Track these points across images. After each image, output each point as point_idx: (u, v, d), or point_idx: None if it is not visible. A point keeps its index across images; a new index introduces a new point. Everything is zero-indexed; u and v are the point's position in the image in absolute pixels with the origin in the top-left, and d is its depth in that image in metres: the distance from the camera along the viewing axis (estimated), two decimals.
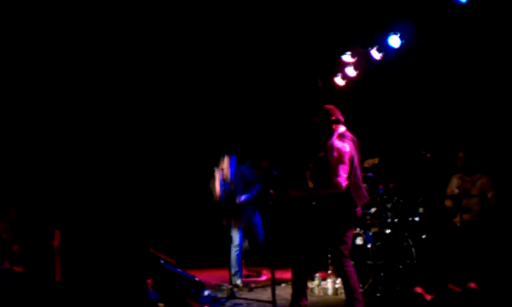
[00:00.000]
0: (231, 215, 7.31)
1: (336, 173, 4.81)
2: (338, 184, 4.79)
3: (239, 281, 7.23)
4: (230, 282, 6.79)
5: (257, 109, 9.92)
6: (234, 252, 7.31)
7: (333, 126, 5.04)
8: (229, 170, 7.36)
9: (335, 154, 4.85)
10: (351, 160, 4.91)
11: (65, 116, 9.08)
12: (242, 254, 7.41)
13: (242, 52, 9.36)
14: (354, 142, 5.03)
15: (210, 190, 7.45)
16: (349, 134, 5.07)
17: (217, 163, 7.36)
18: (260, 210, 7.63)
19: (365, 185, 7.03)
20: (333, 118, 5.07)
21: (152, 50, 9.23)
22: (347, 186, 4.84)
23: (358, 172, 5.02)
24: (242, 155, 7.54)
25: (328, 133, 5.04)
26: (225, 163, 7.35)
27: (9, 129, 8.49)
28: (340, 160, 4.83)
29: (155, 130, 9.89)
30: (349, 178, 4.86)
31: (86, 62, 8.93)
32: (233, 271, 7.27)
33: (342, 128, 5.07)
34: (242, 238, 7.39)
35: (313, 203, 5.12)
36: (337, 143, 4.91)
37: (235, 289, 6.82)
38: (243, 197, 7.31)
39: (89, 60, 8.93)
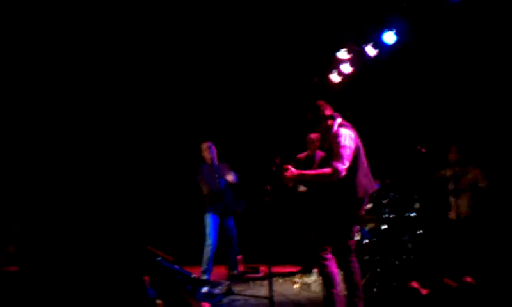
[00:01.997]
0: (216, 204, 7.43)
1: (337, 159, 4.62)
2: (336, 170, 4.58)
3: (205, 277, 7.27)
4: (228, 278, 6.81)
5: (253, 106, 9.94)
6: (207, 251, 7.34)
7: (328, 121, 4.93)
8: (210, 155, 7.48)
9: (340, 140, 4.68)
10: (357, 148, 4.77)
11: (62, 114, 9.06)
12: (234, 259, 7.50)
13: (238, 50, 9.37)
14: (355, 130, 4.95)
15: (200, 185, 7.55)
16: (348, 124, 4.96)
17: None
18: (235, 213, 7.68)
19: None
20: (325, 112, 4.95)
21: (146, 49, 9.22)
22: (353, 176, 4.68)
23: (364, 159, 4.87)
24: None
25: (325, 128, 4.93)
26: (205, 148, 7.52)
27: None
28: (345, 147, 4.66)
29: (151, 128, 9.88)
30: (354, 167, 4.70)
31: (70, 58, 8.89)
32: (203, 268, 7.32)
33: (339, 120, 4.95)
34: (216, 239, 7.42)
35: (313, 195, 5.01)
36: (343, 131, 4.76)
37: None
38: (234, 177, 7.38)
39: (73, 57, 8.89)
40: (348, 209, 4.76)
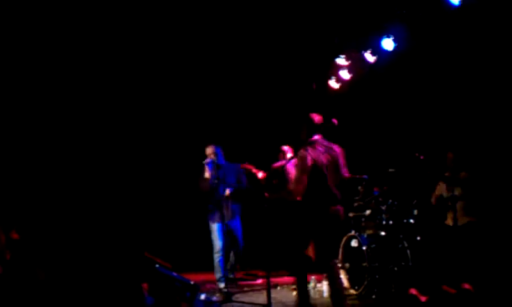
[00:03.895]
0: (215, 210, 7.23)
1: (293, 182, 5.08)
2: (292, 192, 5.12)
3: (222, 285, 7.14)
4: (225, 286, 6.80)
5: (252, 112, 9.94)
6: (216, 258, 7.23)
7: (307, 134, 5.14)
8: (216, 156, 7.20)
9: (297, 164, 5.05)
10: (313, 167, 4.92)
11: (63, 117, 9.05)
12: (227, 260, 7.38)
13: (237, 56, 9.38)
14: (327, 149, 5.05)
15: (200, 186, 7.29)
16: (323, 142, 5.09)
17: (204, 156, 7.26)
18: (241, 213, 7.55)
19: (359, 187, 7.09)
20: (308, 127, 5.15)
21: (143, 48, 9.20)
22: (312, 194, 4.94)
23: (331, 177, 5.01)
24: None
25: (302, 141, 5.16)
26: (210, 149, 7.26)
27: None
28: (298, 170, 4.98)
29: (149, 133, 9.88)
30: (311, 185, 4.93)
31: (71, 60, 8.88)
32: (217, 276, 7.24)
33: (316, 136, 5.12)
34: (224, 246, 7.22)
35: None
36: (302, 153, 5.00)
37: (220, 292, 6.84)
38: (228, 190, 7.17)
39: (74, 57, 8.87)
40: (305, 223, 5.04)
